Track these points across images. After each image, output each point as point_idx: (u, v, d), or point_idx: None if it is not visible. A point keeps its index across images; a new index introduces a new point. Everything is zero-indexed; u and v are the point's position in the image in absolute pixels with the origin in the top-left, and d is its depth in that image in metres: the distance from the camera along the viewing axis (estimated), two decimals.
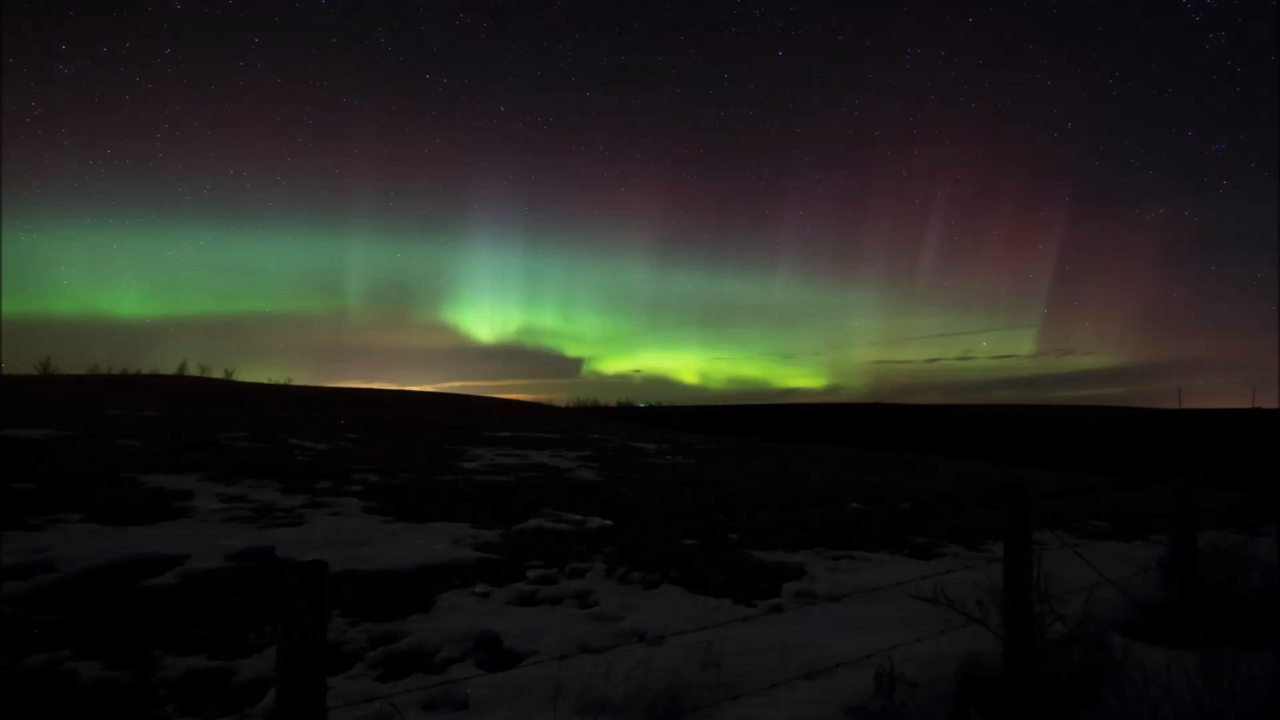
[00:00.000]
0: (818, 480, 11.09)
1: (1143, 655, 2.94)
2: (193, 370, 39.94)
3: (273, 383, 39.84)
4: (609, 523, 6.69)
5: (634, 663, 2.90)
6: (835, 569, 5.21)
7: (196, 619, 3.63)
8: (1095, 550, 5.38)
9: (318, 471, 9.21)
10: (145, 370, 38.09)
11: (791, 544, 6.02)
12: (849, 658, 3.02)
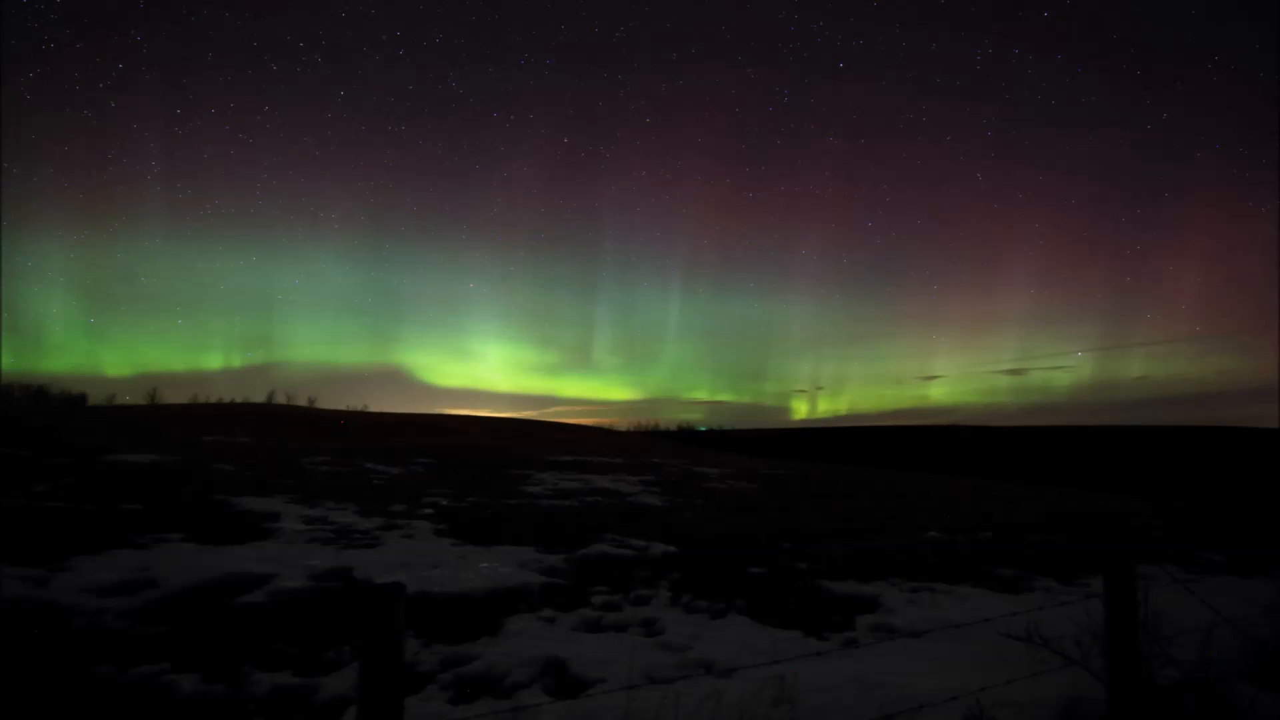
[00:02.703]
0: (890, 506, 10.62)
1: (1272, 706, 2.62)
2: (280, 399, 42.92)
3: (350, 409, 42.07)
4: (673, 549, 6.61)
5: (703, 695, 2.82)
6: (914, 602, 4.93)
7: (283, 636, 3.81)
8: (1209, 586, 4.88)
9: (392, 495, 9.58)
10: (239, 399, 41.15)
11: (865, 574, 5.76)
12: (933, 698, 2.83)
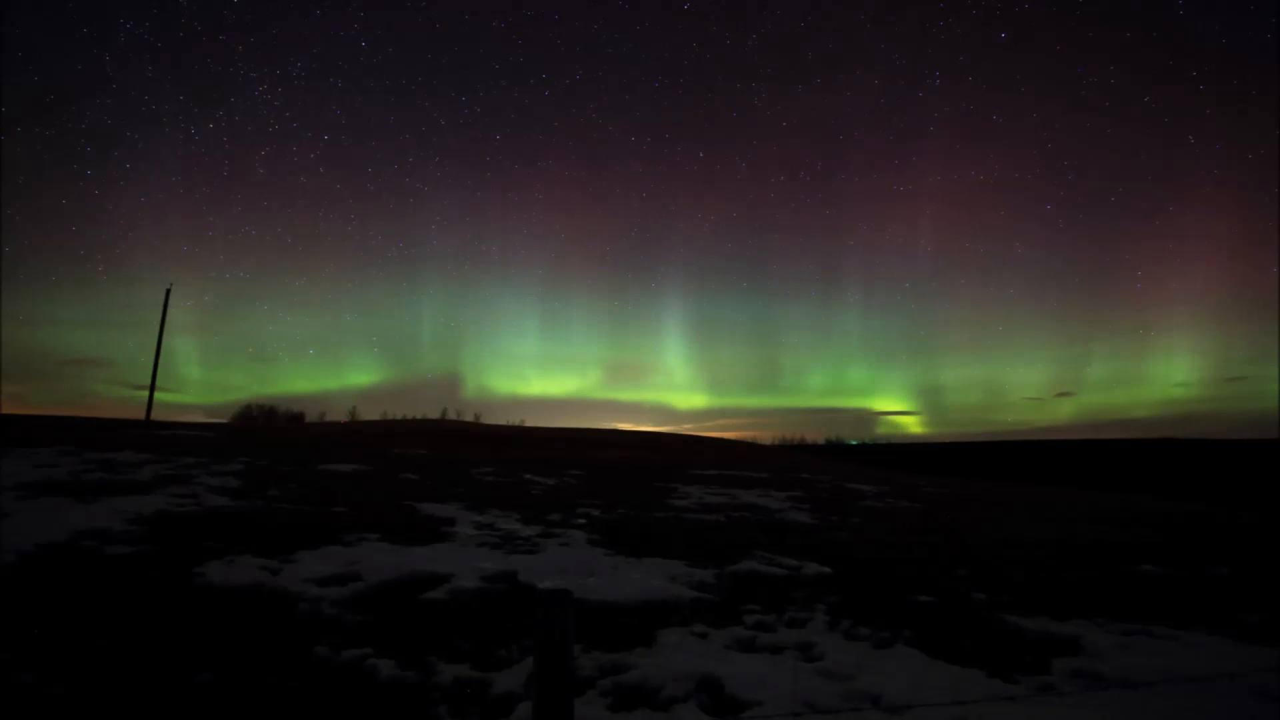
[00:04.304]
0: (1084, 532, 9.22)
1: None
2: (451, 415, 48.04)
3: (510, 424, 45.66)
4: (827, 570, 6.28)
5: None
6: (1126, 646, 4.22)
7: (461, 632, 4.17)
8: None
9: (548, 504, 10.16)
10: (417, 416, 46.57)
11: (1060, 610, 5.04)
12: None
